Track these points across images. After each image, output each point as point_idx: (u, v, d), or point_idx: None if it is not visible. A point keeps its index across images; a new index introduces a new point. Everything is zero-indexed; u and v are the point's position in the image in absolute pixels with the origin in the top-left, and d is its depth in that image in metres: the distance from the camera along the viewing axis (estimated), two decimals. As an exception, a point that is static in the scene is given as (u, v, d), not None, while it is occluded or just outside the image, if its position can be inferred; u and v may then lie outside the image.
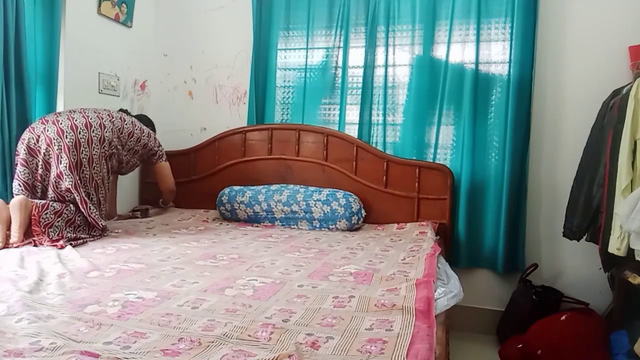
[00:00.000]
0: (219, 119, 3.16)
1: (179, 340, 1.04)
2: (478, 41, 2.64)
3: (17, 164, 2.12)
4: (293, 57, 3.02)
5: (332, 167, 2.80)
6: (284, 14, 2.99)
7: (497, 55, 2.64)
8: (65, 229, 2.04)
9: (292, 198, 2.61)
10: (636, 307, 2.05)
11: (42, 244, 1.90)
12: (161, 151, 2.64)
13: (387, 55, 2.81)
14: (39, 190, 2.13)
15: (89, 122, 2.22)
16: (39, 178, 2.12)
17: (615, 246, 1.91)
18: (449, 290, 1.51)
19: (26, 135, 2.13)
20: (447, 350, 1.37)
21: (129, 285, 1.44)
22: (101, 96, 2.77)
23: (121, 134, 2.36)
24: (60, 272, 1.54)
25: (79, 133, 2.15)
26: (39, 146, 2.11)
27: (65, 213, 2.06)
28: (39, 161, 2.11)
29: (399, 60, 2.81)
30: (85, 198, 2.12)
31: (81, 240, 2.02)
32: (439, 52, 2.72)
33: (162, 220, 2.63)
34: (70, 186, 2.08)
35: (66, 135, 2.12)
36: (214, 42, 3.17)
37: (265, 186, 2.77)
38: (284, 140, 2.89)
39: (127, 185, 3.03)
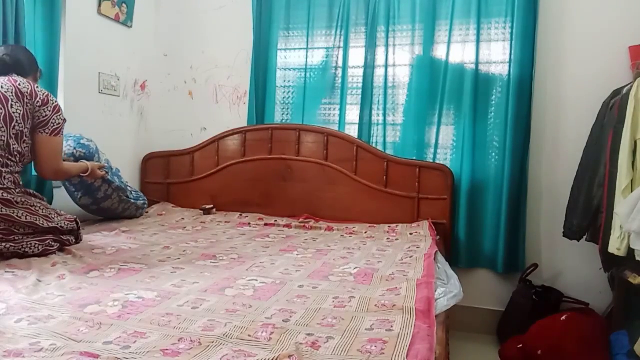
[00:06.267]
0: (219, 119, 3.15)
1: (179, 340, 1.04)
2: (478, 41, 2.64)
3: None
4: (293, 57, 3.02)
5: (332, 167, 2.80)
6: (284, 14, 2.99)
7: (497, 55, 2.64)
8: None
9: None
10: (636, 307, 2.06)
11: None
12: (56, 119, 1.88)
13: (387, 55, 2.81)
14: None
15: None
16: None
17: (616, 246, 1.91)
18: (449, 291, 1.51)
19: None
20: (447, 350, 1.37)
21: (129, 285, 1.43)
22: (101, 96, 2.77)
23: None
24: (60, 272, 1.54)
25: None
26: None
27: None
28: None
29: (399, 60, 2.81)
30: None
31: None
32: (439, 52, 2.72)
33: (161, 221, 2.63)
34: None
35: None
36: (214, 42, 3.17)
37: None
38: (284, 140, 2.89)
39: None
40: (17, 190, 1.78)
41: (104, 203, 2.42)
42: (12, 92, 1.78)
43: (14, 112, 1.76)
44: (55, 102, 1.90)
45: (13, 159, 1.79)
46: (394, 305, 1.29)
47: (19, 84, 1.81)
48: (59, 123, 1.89)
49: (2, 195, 1.70)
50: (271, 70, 3.03)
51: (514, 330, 2.39)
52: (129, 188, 2.58)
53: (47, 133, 1.85)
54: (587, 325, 2.18)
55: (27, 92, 1.80)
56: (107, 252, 1.87)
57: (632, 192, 1.85)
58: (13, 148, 1.78)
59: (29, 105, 1.80)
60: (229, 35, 3.14)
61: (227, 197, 2.97)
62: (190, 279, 1.52)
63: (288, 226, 2.59)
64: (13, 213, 1.71)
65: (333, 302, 1.34)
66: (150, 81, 3.18)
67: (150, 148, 3.15)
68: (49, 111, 1.85)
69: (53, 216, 1.85)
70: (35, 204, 1.82)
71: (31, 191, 1.89)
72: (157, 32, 3.20)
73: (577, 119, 2.52)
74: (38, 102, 1.83)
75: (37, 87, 1.87)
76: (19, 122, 1.78)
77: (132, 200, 2.58)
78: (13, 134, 1.77)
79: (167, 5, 3.22)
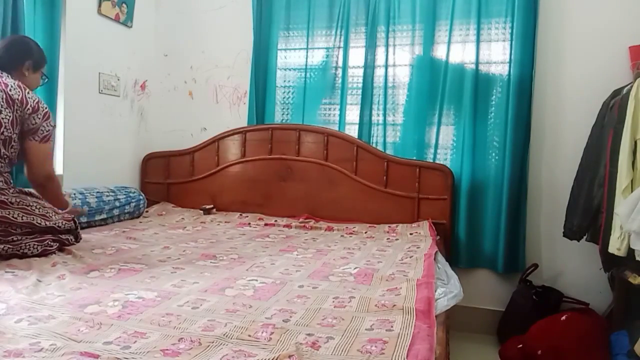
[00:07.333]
0: (219, 119, 3.15)
1: (179, 341, 1.04)
2: (478, 41, 2.64)
3: None
4: (293, 57, 3.02)
5: (332, 167, 2.80)
6: (284, 14, 2.99)
7: (497, 55, 2.64)
8: None
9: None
10: (636, 307, 2.05)
11: None
12: (46, 126, 1.86)
13: (387, 55, 2.81)
14: None
15: None
16: None
17: (616, 246, 1.91)
18: (449, 290, 1.51)
19: None
20: (447, 350, 1.37)
21: (129, 285, 1.43)
22: (101, 96, 2.77)
23: None
24: (60, 272, 1.54)
25: None
26: None
27: None
28: None
29: (399, 60, 2.81)
30: None
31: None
32: (439, 52, 2.72)
33: (161, 221, 2.63)
34: None
35: None
36: (214, 42, 3.17)
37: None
38: (284, 140, 2.89)
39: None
40: (11, 191, 1.78)
41: (92, 222, 2.44)
42: (1, 99, 1.76)
43: (2, 119, 1.75)
44: (46, 109, 1.89)
45: (2, 162, 1.79)
46: (394, 305, 1.28)
47: (10, 89, 1.78)
48: (49, 130, 1.88)
49: None
50: (271, 70, 3.03)
51: (514, 330, 2.39)
52: (109, 203, 2.54)
53: (36, 140, 1.84)
54: (587, 325, 2.18)
55: (17, 99, 1.79)
56: (107, 252, 1.87)
57: (632, 192, 1.85)
58: (2, 152, 1.78)
59: (18, 112, 1.79)
60: (229, 35, 3.14)
61: (227, 197, 2.97)
62: (190, 279, 1.52)
63: (288, 226, 2.60)
64: (9, 214, 1.71)
65: (333, 302, 1.34)
66: (150, 81, 3.18)
67: (150, 148, 3.15)
68: (39, 118, 1.84)
69: (50, 215, 1.85)
70: (31, 204, 1.81)
71: (27, 190, 1.89)
72: (157, 32, 3.20)
73: (577, 119, 2.52)
74: (28, 109, 1.81)
75: (29, 93, 1.85)
76: (8, 128, 1.77)
77: (126, 210, 2.61)
78: (1, 139, 1.76)
79: (167, 5, 3.22)
